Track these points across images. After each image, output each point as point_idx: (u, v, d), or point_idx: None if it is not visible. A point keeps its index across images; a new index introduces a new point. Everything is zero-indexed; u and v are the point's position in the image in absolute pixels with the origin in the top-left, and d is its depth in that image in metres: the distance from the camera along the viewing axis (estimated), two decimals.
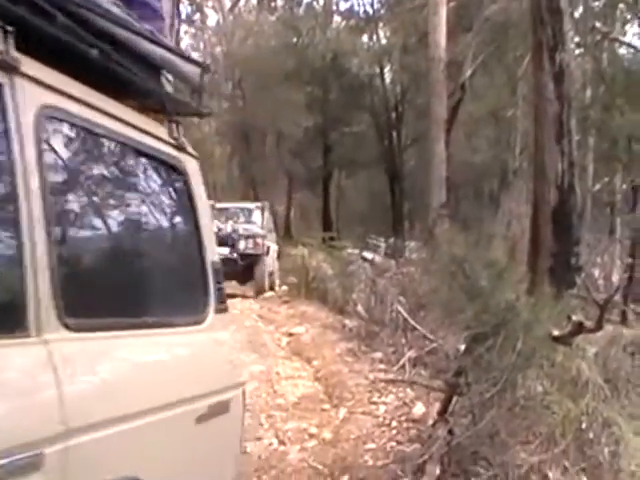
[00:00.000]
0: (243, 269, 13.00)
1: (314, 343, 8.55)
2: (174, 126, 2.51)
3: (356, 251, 14.63)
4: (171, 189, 2.56)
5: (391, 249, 15.60)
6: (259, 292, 13.17)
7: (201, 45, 33.57)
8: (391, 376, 6.55)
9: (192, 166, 2.60)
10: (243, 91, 28.10)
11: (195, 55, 33.99)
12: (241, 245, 13.20)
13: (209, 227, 2.70)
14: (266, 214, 15.15)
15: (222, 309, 2.66)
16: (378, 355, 7.36)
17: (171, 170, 2.48)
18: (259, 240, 13.45)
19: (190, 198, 2.54)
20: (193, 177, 2.57)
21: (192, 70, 2.59)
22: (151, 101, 2.45)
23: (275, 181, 28.48)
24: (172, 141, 2.47)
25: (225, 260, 12.59)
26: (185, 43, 31.40)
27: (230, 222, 13.91)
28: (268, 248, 13.82)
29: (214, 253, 2.68)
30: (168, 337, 2.26)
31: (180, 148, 2.52)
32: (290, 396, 6.61)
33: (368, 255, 13.56)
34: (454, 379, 4.52)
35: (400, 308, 7.64)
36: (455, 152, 18.62)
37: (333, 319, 9.70)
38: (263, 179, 27.28)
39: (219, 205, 15.14)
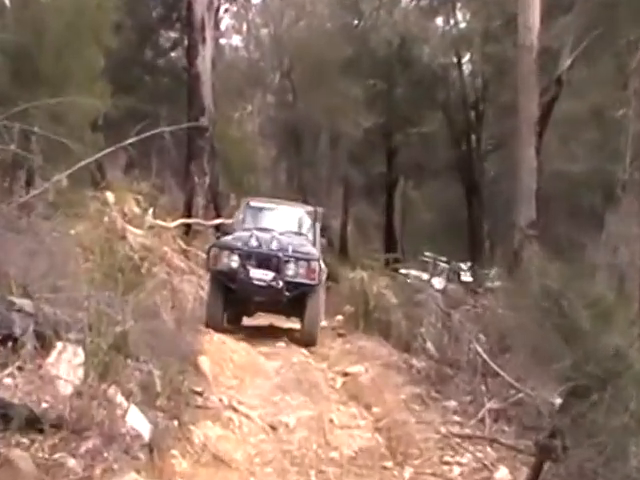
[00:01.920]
0: (289, 302, 11.10)
1: (374, 386, 8.53)
2: None
3: (425, 276, 14.58)
4: None
5: (452, 271, 15.49)
6: (308, 338, 11.20)
7: (244, 27, 34.14)
8: (468, 431, 6.48)
9: None
10: (293, 83, 28.40)
11: (238, 38, 34.63)
12: (289, 270, 11.01)
13: None
14: (318, 224, 13.11)
15: None
16: (452, 404, 7.30)
17: None
18: (314, 265, 11.18)
19: None
20: None
21: None
22: None
23: (328, 190, 28.60)
24: None
25: (265, 288, 10.73)
26: (225, 23, 31.93)
27: (274, 234, 11.63)
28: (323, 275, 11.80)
29: None
30: None
31: None
32: (346, 449, 6.60)
33: (438, 283, 13.49)
34: (547, 441, 4.48)
35: (479, 348, 7.58)
36: (547, 160, 18.40)
37: (397, 357, 9.68)
38: (314, 187, 27.42)
39: (254, 203, 13.35)
